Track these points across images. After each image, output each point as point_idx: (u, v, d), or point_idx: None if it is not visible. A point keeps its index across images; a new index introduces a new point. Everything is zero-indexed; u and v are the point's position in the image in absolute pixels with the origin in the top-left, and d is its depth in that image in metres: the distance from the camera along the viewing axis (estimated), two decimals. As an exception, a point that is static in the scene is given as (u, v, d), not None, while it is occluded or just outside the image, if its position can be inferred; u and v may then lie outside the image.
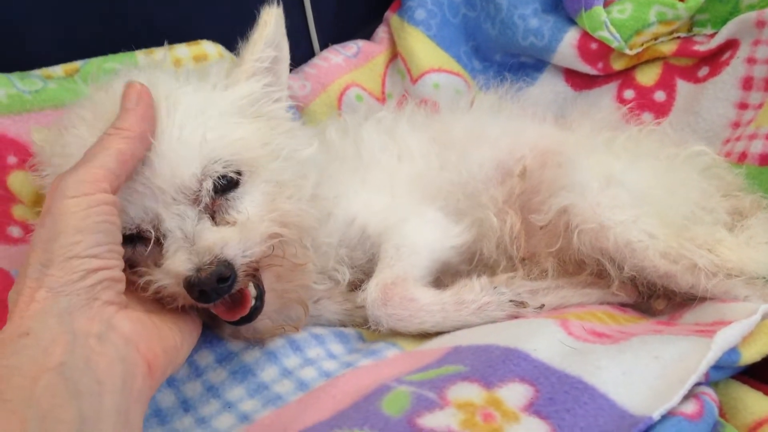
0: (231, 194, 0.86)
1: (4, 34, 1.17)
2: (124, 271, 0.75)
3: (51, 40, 1.22)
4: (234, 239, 0.80)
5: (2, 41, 1.17)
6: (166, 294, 0.79)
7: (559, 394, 0.67)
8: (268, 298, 0.85)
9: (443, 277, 1.05)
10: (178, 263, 0.78)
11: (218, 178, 0.83)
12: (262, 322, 0.86)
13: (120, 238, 0.74)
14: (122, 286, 0.73)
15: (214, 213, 0.84)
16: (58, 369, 0.60)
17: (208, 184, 0.82)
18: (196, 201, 0.82)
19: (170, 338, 0.76)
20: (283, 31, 0.99)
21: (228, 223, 0.84)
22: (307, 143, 0.99)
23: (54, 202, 0.69)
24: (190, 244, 0.79)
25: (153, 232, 0.81)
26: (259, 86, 0.94)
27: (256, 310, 0.83)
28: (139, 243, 0.83)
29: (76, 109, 0.88)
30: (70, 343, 0.62)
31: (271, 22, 0.96)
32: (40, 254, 0.67)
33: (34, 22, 1.19)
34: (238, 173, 0.86)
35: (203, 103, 0.86)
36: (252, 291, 0.83)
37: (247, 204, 0.86)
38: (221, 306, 0.82)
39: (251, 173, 0.88)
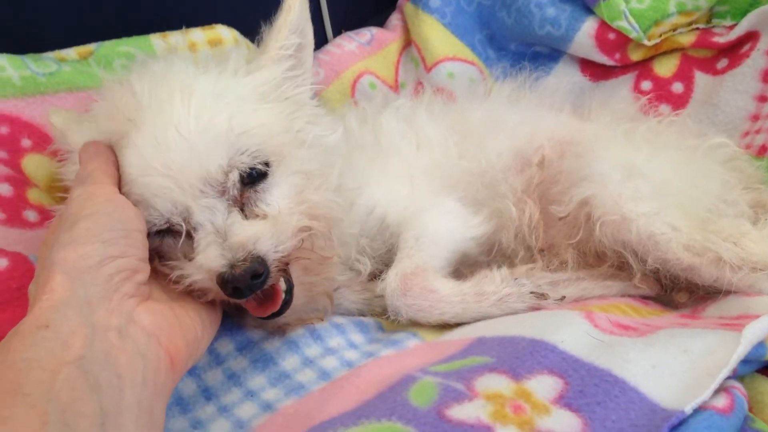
0: (260, 186, 0.85)
1: (18, 16, 1.15)
2: (153, 262, 0.75)
3: (64, 22, 1.20)
4: (266, 234, 0.79)
5: (16, 23, 1.15)
6: (197, 288, 0.79)
7: (589, 387, 0.66)
8: (297, 291, 0.84)
9: (462, 267, 1.05)
10: (211, 258, 0.77)
11: (246, 169, 0.82)
12: (290, 315, 0.86)
13: (141, 227, 0.74)
14: (143, 276, 0.72)
15: (243, 206, 0.83)
16: (77, 362, 0.59)
17: (235, 176, 0.81)
18: (223, 193, 0.81)
19: (192, 329, 0.75)
20: (307, 16, 0.97)
21: (258, 216, 0.83)
22: (332, 129, 0.98)
23: (72, 197, 0.72)
24: (222, 239, 0.78)
25: (184, 225, 0.80)
26: (281, 71, 0.93)
27: (285, 305, 0.83)
28: (168, 235, 0.82)
29: (94, 102, 0.89)
30: (89, 336, 0.61)
31: (295, 7, 0.94)
32: (55, 242, 0.67)
33: (47, 4, 1.17)
34: (266, 164, 0.85)
35: (221, 89, 0.85)
36: (282, 285, 0.82)
37: (276, 196, 0.85)
38: (252, 301, 0.82)
39: (279, 164, 0.86)
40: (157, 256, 0.81)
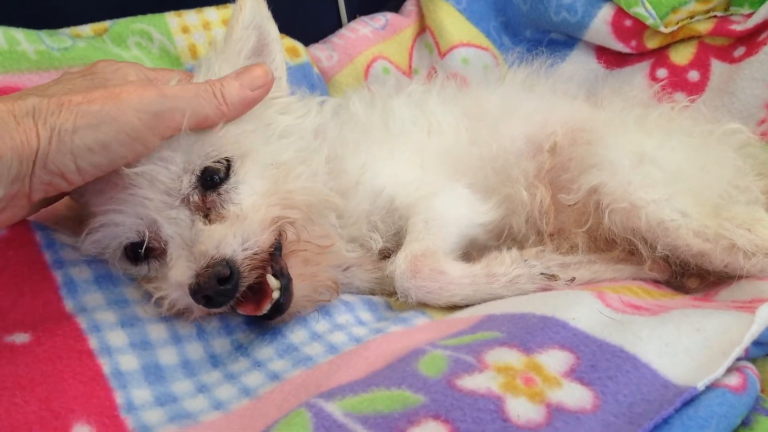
0: (223, 187, 0.83)
1: (34, -9, 1.16)
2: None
3: (80, -1, 1.21)
4: (228, 235, 0.78)
5: (32, -2, 1.16)
6: (181, 308, 0.79)
7: (600, 362, 0.66)
8: (297, 283, 0.82)
9: (472, 251, 1.04)
10: (179, 272, 0.76)
11: (202, 171, 0.81)
12: (294, 309, 0.84)
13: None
14: None
15: (208, 211, 0.82)
16: None
17: (191, 179, 0.80)
18: (185, 201, 0.80)
19: None
20: (264, 13, 0.96)
21: (225, 218, 0.81)
22: (305, 115, 0.98)
23: None
24: (188, 251, 0.77)
25: (157, 242, 0.79)
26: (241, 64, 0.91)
27: (285, 302, 0.81)
28: (152, 257, 0.82)
29: None
30: None
31: (246, 6, 0.93)
32: None
33: (63, -20, 1.18)
34: (227, 161, 0.83)
35: None
36: (272, 282, 0.80)
37: (245, 194, 0.84)
38: (245, 305, 0.80)
39: (243, 160, 0.85)
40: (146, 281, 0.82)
